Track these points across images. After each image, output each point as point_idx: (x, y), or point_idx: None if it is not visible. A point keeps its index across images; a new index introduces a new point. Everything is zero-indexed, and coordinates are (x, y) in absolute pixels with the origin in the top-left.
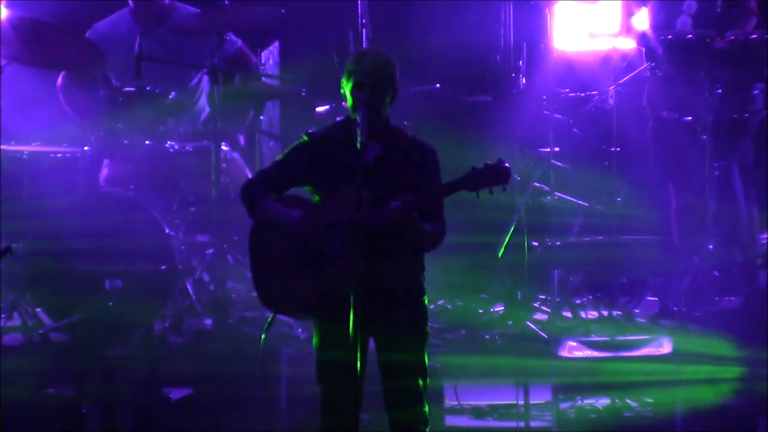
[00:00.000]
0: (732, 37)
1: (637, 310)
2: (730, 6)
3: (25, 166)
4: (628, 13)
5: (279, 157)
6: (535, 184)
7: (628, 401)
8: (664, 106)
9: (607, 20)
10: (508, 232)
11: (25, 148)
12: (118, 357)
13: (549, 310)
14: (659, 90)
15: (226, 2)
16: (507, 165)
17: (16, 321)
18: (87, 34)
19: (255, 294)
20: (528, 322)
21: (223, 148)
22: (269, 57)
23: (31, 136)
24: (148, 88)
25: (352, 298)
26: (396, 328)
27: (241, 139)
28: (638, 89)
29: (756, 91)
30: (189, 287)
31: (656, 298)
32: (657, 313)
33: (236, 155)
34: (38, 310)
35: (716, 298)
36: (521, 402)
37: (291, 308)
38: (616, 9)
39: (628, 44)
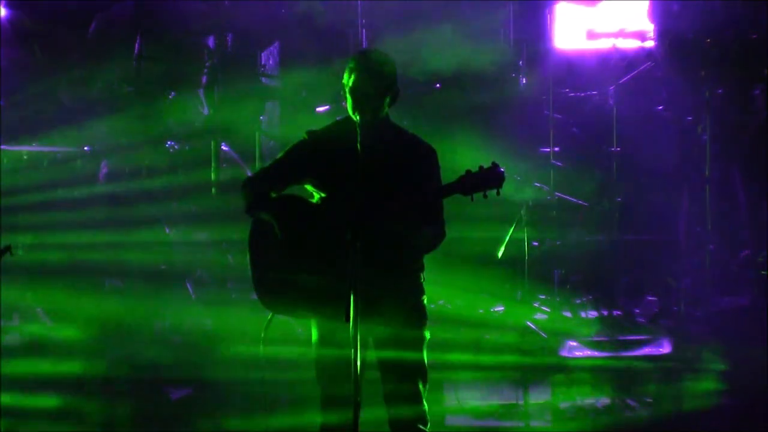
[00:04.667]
0: (732, 38)
1: (637, 310)
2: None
3: (25, 166)
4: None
5: (279, 154)
6: (535, 184)
7: (628, 401)
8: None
9: (607, 20)
10: (508, 233)
11: (25, 148)
12: (119, 357)
13: (549, 310)
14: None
15: (226, 2)
16: (501, 169)
17: (15, 321)
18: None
19: (255, 294)
20: (528, 322)
21: (223, 148)
22: (269, 57)
23: (31, 136)
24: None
25: (351, 297)
26: (395, 328)
27: None
28: (638, 89)
29: (756, 92)
30: (189, 287)
31: (656, 298)
32: (657, 313)
33: (236, 155)
34: (38, 310)
35: (716, 298)
36: (521, 402)
37: (290, 307)
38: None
39: (629, 44)
